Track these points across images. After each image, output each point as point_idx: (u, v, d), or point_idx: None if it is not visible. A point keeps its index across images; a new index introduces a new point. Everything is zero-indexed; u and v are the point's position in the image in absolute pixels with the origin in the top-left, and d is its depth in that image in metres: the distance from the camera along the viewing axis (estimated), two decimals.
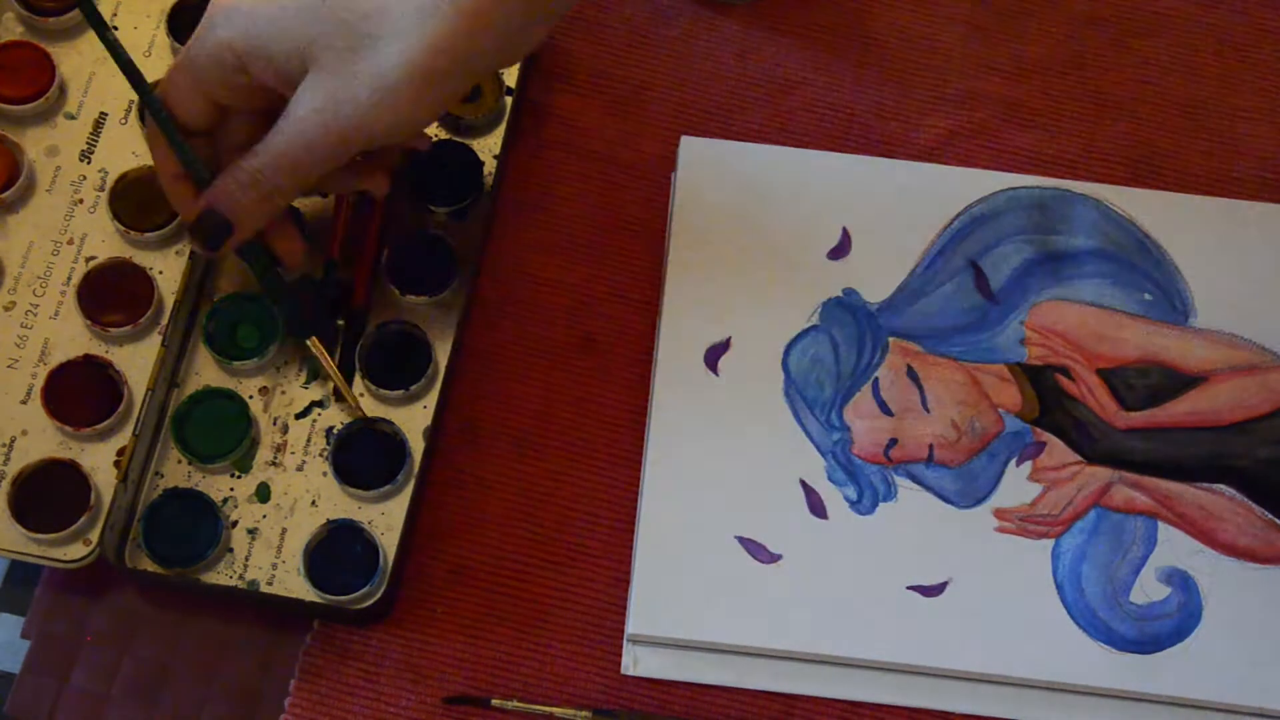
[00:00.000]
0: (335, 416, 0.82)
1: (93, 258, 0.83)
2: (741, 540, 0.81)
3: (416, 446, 0.81)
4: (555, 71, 0.92)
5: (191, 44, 0.73)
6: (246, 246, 0.77)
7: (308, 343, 0.80)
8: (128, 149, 0.85)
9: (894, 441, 0.83)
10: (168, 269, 0.83)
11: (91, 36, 0.87)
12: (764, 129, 0.91)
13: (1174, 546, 0.82)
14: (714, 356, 0.84)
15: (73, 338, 0.82)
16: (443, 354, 0.83)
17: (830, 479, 0.82)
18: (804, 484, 0.82)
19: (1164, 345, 0.86)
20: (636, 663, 0.80)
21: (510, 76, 0.89)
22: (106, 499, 0.78)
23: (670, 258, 0.86)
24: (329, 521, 0.79)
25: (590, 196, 0.89)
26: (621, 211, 0.89)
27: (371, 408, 0.82)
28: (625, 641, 0.80)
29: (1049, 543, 0.81)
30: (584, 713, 0.78)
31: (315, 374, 0.83)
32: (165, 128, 0.74)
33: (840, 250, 0.87)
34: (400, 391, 0.82)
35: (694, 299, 0.85)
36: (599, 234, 0.88)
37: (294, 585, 0.79)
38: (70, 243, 0.83)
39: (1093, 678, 0.79)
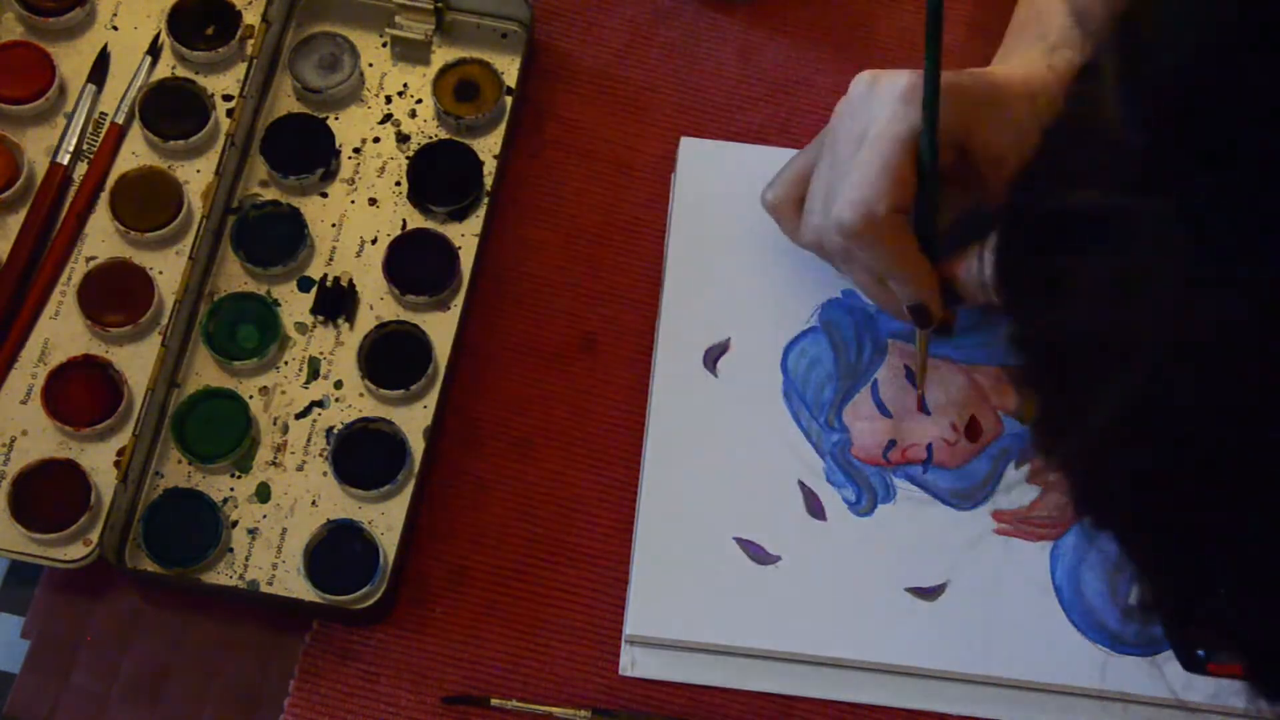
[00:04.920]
0: (335, 416, 0.82)
1: (93, 258, 0.83)
2: (740, 541, 0.81)
3: (416, 446, 0.81)
4: (555, 71, 0.91)
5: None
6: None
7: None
8: (128, 149, 0.86)
9: (893, 443, 0.83)
10: (168, 269, 0.83)
11: (91, 36, 0.87)
12: (764, 129, 0.91)
13: None
14: (713, 357, 0.84)
15: (73, 338, 0.82)
16: (443, 354, 0.83)
17: (829, 480, 0.82)
18: (803, 485, 0.82)
19: None
20: (634, 664, 0.80)
21: (510, 76, 0.89)
22: (106, 499, 0.78)
23: (670, 258, 0.86)
24: (329, 521, 0.80)
25: (590, 196, 0.89)
26: (621, 211, 0.89)
27: (371, 408, 0.82)
28: (624, 642, 0.80)
29: (1048, 545, 0.81)
30: (583, 713, 0.78)
31: (315, 373, 0.83)
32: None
33: None
34: (400, 391, 0.82)
35: (693, 299, 0.85)
36: (599, 234, 0.88)
37: (294, 585, 0.79)
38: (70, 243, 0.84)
39: (1092, 680, 0.79)
